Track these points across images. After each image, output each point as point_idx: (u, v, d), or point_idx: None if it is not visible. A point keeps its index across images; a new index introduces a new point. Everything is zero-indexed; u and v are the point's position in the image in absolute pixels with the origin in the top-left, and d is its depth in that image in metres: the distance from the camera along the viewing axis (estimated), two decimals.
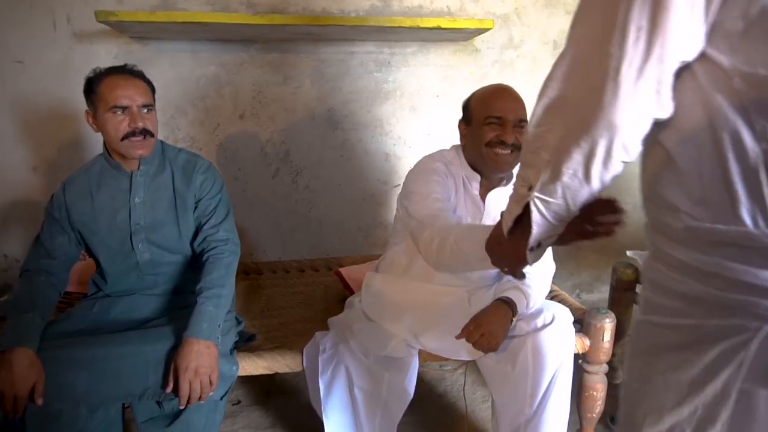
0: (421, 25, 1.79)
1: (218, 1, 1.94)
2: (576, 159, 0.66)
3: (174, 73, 1.98)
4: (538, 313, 1.34)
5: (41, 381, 1.13)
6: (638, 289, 1.96)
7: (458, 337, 1.27)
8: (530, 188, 0.75)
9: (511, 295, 1.34)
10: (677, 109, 0.63)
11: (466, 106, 1.44)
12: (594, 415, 1.56)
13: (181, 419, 1.24)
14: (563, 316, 1.35)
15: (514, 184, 0.80)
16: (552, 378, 1.28)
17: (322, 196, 2.18)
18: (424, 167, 1.43)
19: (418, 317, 1.35)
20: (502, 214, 0.89)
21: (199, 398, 1.19)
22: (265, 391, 1.93)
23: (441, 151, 1.49)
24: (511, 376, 1.30)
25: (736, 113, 0.59)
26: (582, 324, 1.51)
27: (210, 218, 1.40)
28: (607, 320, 1.50)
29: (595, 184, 0.68)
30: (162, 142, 1.44)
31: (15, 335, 1.15)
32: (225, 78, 2.02)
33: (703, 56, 0.60)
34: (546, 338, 1.29)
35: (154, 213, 1.38)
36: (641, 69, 0.60)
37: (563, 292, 1.72)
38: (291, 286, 1.92)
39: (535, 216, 0.74)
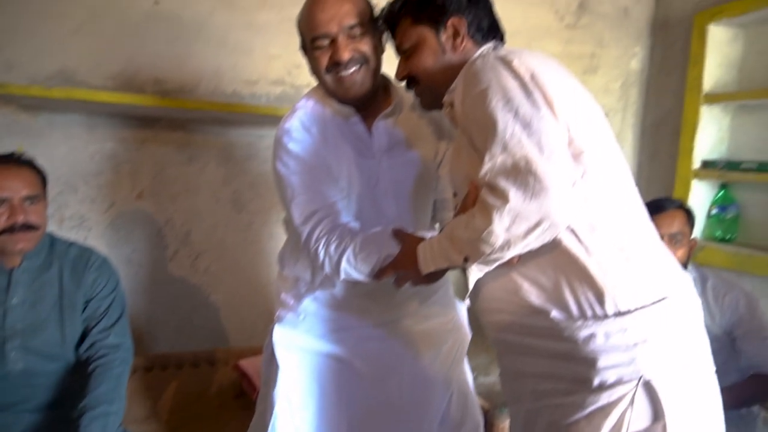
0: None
1: (121, 76, 1.85)
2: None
3: (66, 147, 1.84)
4: (461, 424, 1.34)
5: None
6: None
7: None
8: (466, 260, 0.90)
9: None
10: None
11: (298, 27, 1.22)
12: None
13: None
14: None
15: (447, 248, 0.94)
16: None
17: (223, 280, 2.09)
18: (277, 145, 1.22)
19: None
20: (420, 249, 1.01)
21: None
22: None
23: (299, 103, 1.25)
24: None
25: None
26: (486, 425, 1.54)
27: (100, 321, 1.28)
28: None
29: None
30: (51, 235, 1.31)
31: None
32: (124, 155, 1.90)
33: None
34: None
35: (35, 314, 1.24)
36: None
37: None
38: (184, 385, 1.78)
39: (473, 277, 0.93)
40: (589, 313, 0.85)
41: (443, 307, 1.34)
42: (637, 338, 0.83)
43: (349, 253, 1.08)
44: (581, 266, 0.85)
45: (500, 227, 0.81)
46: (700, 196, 2.30)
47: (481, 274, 0.93)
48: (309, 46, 1.16)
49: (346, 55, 1.11)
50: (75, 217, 1.88)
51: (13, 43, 1.72)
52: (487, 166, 0.83)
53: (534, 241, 0.83)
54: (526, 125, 0.82)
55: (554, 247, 0.86)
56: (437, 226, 1.37)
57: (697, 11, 2.26)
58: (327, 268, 1.11)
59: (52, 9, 1.74)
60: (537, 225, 0.80)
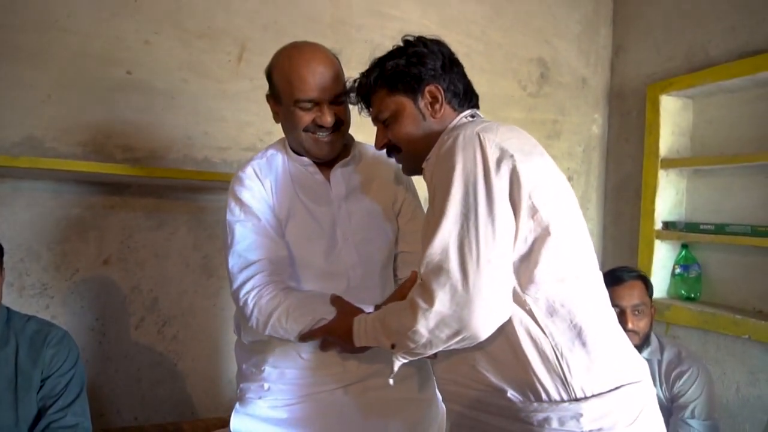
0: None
1: (91, 143, 1.85)
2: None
3: (30, 213, 1.80)
4: None
5: None
6: None
7: None
8: (393, 346, 0.93)
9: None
10: None
11: (269, 76, 1.23)
12: None
13: None
14: None
15: (378, 330, 0.98)
16: None
17: (191, 348, 2.03)
18: (229, 191, 1.21)
19: None
20: (355, 321, 1.03)
21: None
22: None
23: (258, 153, 1.29)
24: None
25: None
26: None
27: (57, 400, 1.22)
28: None
29: None
30: (8, 309, 1.27)
31: None
32: (90, 221, 1.88)
33: None
34: None
35: None
36: None
37: None
38: None
39: (397, 365, 0.95)
40: (544, 396, 0.85)
41: (421, 380, 1.28)
42: (591, 425, 0.83)
43: (281, 309, 1.08)
44: (539, 349, 0.86)
45: (424, 328, 0.83)
46: (664, 256, 2.37)
47: (405, 361, 0.93)
48: (289, 102, 1.17)
49: (329, 120, 1.15)
50: (37, 285, 1.82)
51: None
52: (424, 262, 0.85)
53: (456, 345, 0.86)
54: (473, 232, 0.83)
55: (512, 328, 0.87)
56: (399, 281, 1.34)
57: (649, 83, 2.40)
58: (254, 321, 1.10)
59: (21, 79, 1.75)
60: (457, 333, 0.83)
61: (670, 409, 1.57)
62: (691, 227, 2.26)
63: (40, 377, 1.22)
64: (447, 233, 0.84)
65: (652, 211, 2.36)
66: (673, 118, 2.35)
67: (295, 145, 1.24)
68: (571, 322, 0.88)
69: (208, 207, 2.03)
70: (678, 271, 2.33)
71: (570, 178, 2.60)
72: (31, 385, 1.20)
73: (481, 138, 0.90)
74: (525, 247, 0.87)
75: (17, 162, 1.53)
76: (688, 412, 1.50)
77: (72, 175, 1.75)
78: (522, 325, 0.87)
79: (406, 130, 1.06)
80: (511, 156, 0.88)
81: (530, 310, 0.87)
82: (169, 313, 2.00)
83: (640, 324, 1.57)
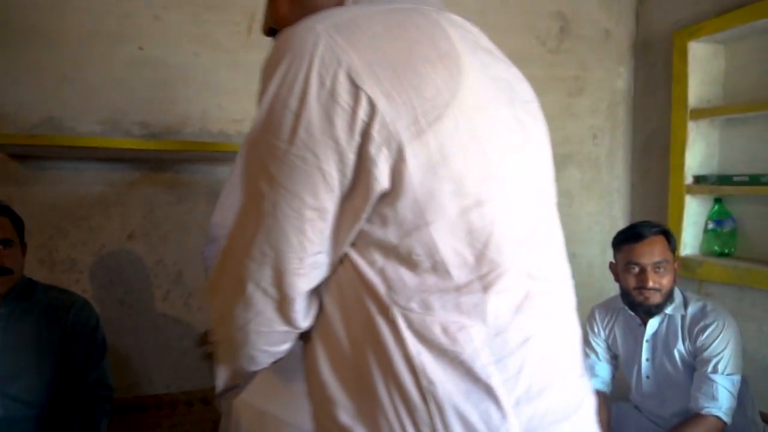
0: None
1: (109, 121, 1.89)
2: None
3: (55, 192, 1.86)
4: None
5: None
6: None
7: None
8: None
9: None
10: None
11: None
12: None
13: None
14: None
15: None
16: None
17: None
18: None
19: None
20: None
21: None
22: None
23: None
24: None
25: None
26: None
27: (80, 365, 1.27)
28: None
29: None
30: (30, 279, 1.32)
31: None
32: (113, 197, 1.93)
33: None
34: None
35: (13, 361, 1.23)
36: None
37: None
38: (180, 425, 1.76)
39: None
40: None
41: None
42: None
43: None
44: None
45: None
46: (695, 212, 2.28)
47: None
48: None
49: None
50: (66, 261, 1.89)
51: (0, 94, 1.77)
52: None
53: None
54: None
55: None
56: None
57: (675, 30, 2.28)
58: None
59: (37, 61, 1.79)
60: None
61: (693, 364, 1.52)
62: (723, 180, 2.16)
63: (63, 344, 1.26)
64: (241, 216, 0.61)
65: (682, 165, 2.26)
66: (702, 66, 2.23)
67: None
68: None
69: (225, 179, 2.04)
70: (711, 226, 2.24)
71: (594, 136, 2.52)
72: (54, 352, 1.25)
73: (324, 44, 0.54)
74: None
75: (35, 140, 1.57)
76: (710, 367, 1.45)
77: (92, 153, 1.79)
78: None
79: (281, 9, 0.76)
80: (368, 96, 0.53)
81: None
82: (193, 285, 2.04)
83: (663, 281, 1.52)
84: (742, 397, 1.53)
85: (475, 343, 0.56)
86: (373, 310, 0.57)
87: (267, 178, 0.56)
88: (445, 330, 0.56)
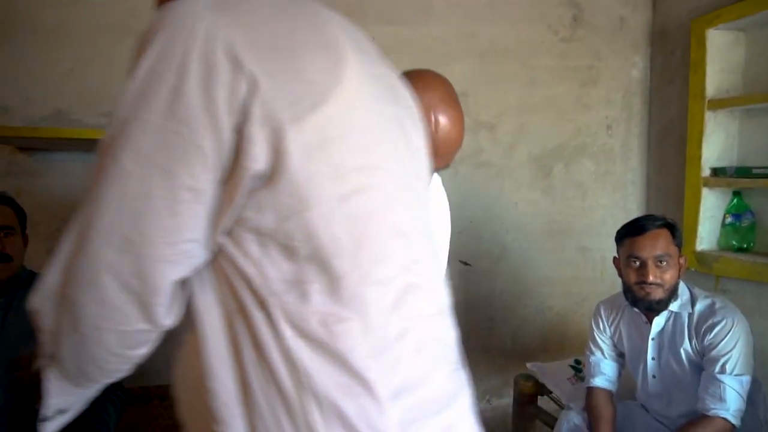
0: None
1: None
2: None
3: (63, 184, 1.89)
4: None
5: None
6: (540, 401, 1.97)
7: None
8: None
9: None
10: None
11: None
12: None
13: None
14: None
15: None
16: None
17: None
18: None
19: None
20: None
21: None
22: None
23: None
24: None
25: None
26: None
27: None
28: None
29: None
30: (32, 271, 1.34)
31: None
32: None
33: None
34: None
35: (14, 350, 1.25)
36: None
37: None
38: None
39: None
40: None
41: None
42: None
43: None
44: None
45: None
46: (712, 205, 2.21)
47: None
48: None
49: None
50: None
51: (7, 88, 1.80)
52: None
53: None
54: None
55: None
56: None
57: (694, 17, 2.20)
58: None
59: (44, 55, 1.81)
60: None
61: (700, 364, 1.46)
62: (742, 172, 2.08)
63: None
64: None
65: (699, 157, 2.18)
66: (721, 54, 2.15)
67: None
68: None
69: None
70: (729, 220, 2.17)
71: (609, 127, 2.45)
72: None
73: (205, 19, 0.52)
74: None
75: (43, 132, 1.59)
76: (718, 367, 1.39)
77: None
78: None
79: None
80: (249, 73, 0.51)
81: None
82: None
83: (665, 276, 1.46)
84: (753, 398, 1.47)
85: (353, 335, 0.55)
86: (249, 302, 0.55)
87: (135, 154, 0.51)
88: (323, 322, 0.55)
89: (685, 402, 1.51)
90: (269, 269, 0.54)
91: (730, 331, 1.41)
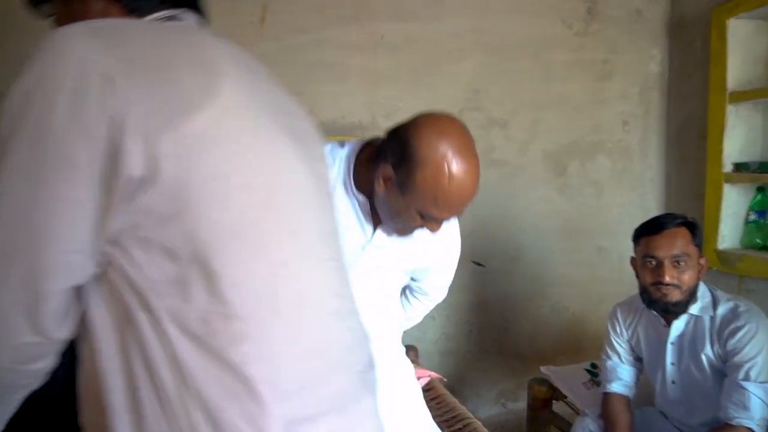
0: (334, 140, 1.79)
1: None
2: None
3: None
4: None
5: None
6: (555, 406, 1.92)
7: None
8: None
9: None
10: None
11: (404, 144, 1.05)
12: None
13: None
14: None
15: None
16: None
17: None
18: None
19: None
20: None
21: None
22: None
23: (342, 147, 1.19)
24: None
25: None
26: None
27: None
28: None
29: None
30: None
31: None
32: None
33: None
34: None
35: None
36: None
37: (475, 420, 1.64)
38: None
39: None
40: None
41: None
42: None
43: None
44: None
45: None
46: (735, 201, 2.13)
47: None
48: (413, 205, 1.04)
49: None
50: None
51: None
52: None
53: None
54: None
55: None
56: None
57: (714, 6, 2.12)
58: None
59: None
60: None
61: (723, 370, 1.40)
62: (766, 167, 2.00)
63: None
64: None
65: (720, 152, 2.11)
66: (743, 45, 2.07)
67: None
68: None
69: None
70: (753, 217, 2.09)
71: (625, 123, 2.38)
72: None
73: (77, 44, 0.54)
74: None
75: None
76: (742, 373, 1.33)
77: None
78: None
79: (60, 21, 0.71)
80: (120, 87, 0.53)
81: None
82: None
83: (683, 277, 1.39)
84: None
85: (235, 334, 0.56)
86: (135, 307, 0.55)
87: (11, 171, 0.53)
88: (205, 320, 0.55)
89: (706, 410, 1.44)
90: (153, 272, 0.55)
91: (754, 336, 1.34)
